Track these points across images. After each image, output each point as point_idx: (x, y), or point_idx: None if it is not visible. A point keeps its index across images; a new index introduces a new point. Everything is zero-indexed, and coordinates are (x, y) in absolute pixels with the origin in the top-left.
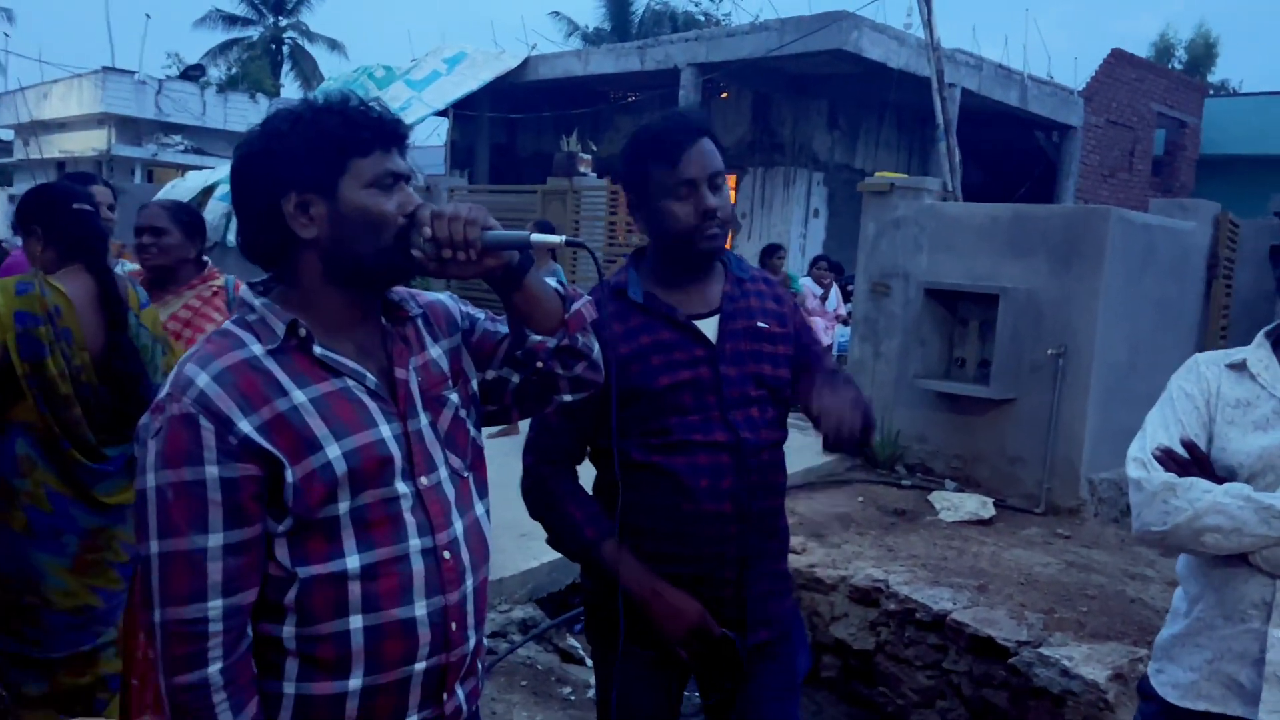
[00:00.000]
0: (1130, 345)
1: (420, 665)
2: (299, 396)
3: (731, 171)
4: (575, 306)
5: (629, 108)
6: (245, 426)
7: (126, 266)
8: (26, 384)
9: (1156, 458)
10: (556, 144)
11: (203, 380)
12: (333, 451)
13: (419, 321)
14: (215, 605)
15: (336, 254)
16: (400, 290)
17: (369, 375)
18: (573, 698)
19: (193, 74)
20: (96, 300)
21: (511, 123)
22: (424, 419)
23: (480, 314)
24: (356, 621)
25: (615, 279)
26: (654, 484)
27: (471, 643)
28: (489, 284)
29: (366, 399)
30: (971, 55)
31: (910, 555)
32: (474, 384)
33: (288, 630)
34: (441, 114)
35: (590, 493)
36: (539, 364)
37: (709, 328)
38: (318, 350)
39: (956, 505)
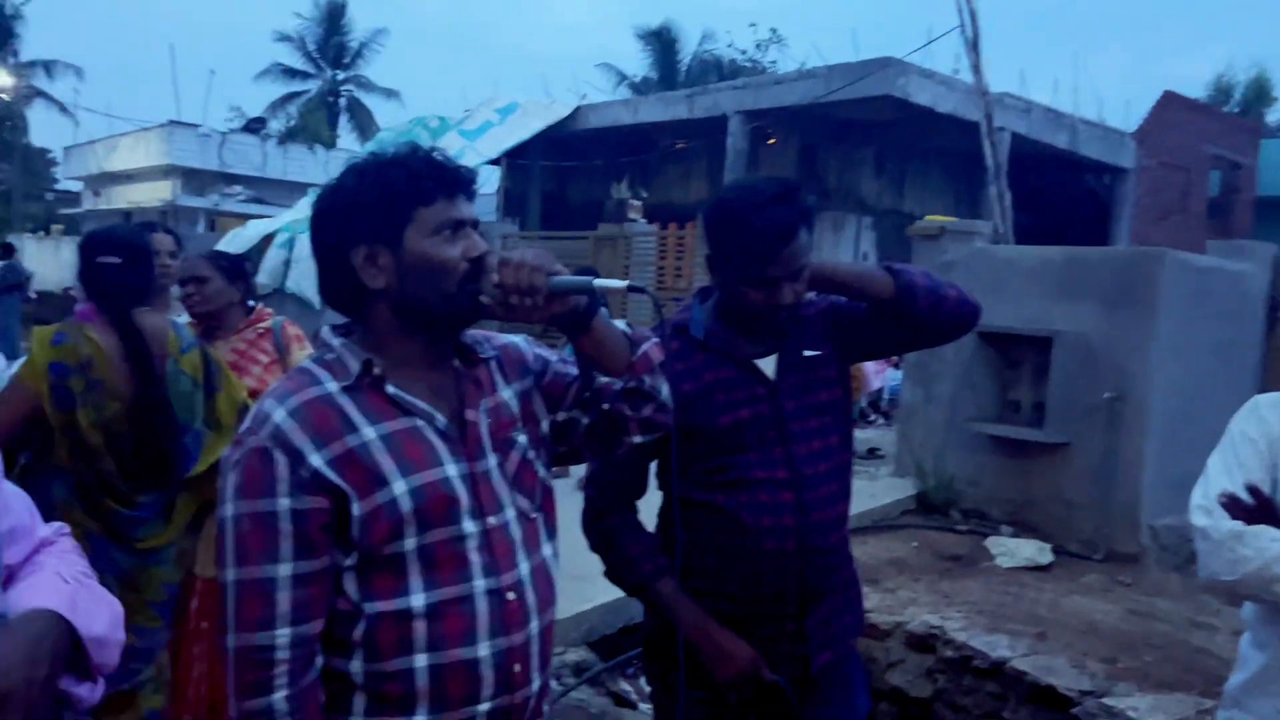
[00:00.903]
0: (1187, 389)
1: (484, 706)
2: (370, 433)
3: None
4: (642, 349)
5: (678, 155)
6: (316, 460)
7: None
8: (60, 433)
9: (1222, 504)
10: (606, 191)
11: (279, 415)
12: (399, 488)
13: (492, 364)
14: (284, 634)
15: (405, 302)
16: (475, 333)
17: (439, 416)
18: None
19: (254, 126)
20: (124, 351)
21: (562, 171)
22: (492, 460)
23: (553, 356)
24: (421, 660)
25: (678, 317)
26: (714, 522)
27: (536, 685)
28: (558, 328)
29: (435, 439)
30: (1020, 99)
31: (966, 601)
32: (545, 425)
33: (356, 665)
34: (494, 163)
35: (653, 528)
36: (606, 405)
37: (768, 365)
38: (390, 390)
39: (1013, 551)
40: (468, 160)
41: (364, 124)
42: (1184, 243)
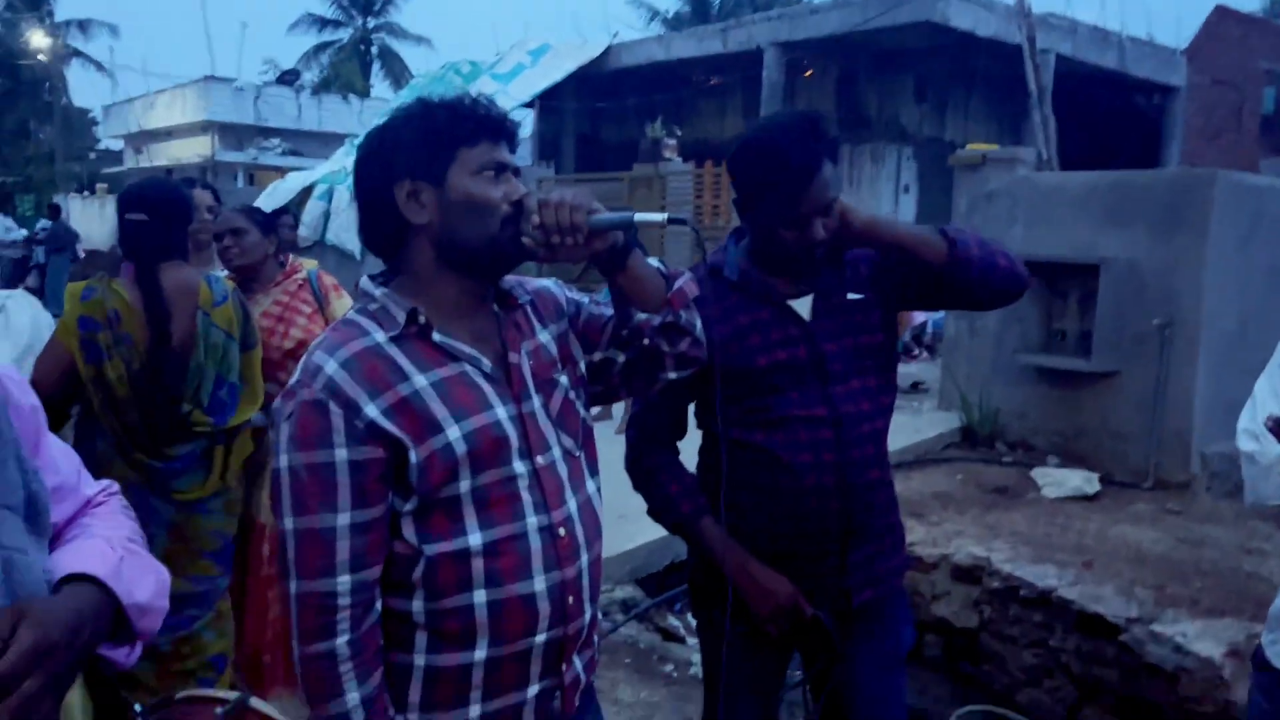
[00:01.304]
0: (1240, 313)
1: (540, 638)
2: (420, 381)
3: None
4: (678, 284)
5: (712, 91)
6: (371, 411)
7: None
8: (91, 387)
9: (1269, 428)
10: (641, 131)
11: (331, 367)
12: (453, 433)
13: (528, 308)
14: (344, 580)
15: (447, 240)
16: (509, 279)
17: (484, 360)
18: (675, 675)
19: (288, 79)
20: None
21: (596, 111)
22: (537, 401)
23: (584, 298)
24: (480, 596)
25: (713, 258)
26: (754, 461)
27: (588, 616)
28: (595, 266)
29: (483, 382)
30: (1065, 19)
31: (1012, 533)
32: (581, 366)
33: (416, 605)
34: (528, 106)
35: (694, 468)
36: (644, 341)
37: (803, 306)
38: (436, 337)
39: (1060, 481)
40: (500, 104)
41: (396, 72)
42: (1238, 162)
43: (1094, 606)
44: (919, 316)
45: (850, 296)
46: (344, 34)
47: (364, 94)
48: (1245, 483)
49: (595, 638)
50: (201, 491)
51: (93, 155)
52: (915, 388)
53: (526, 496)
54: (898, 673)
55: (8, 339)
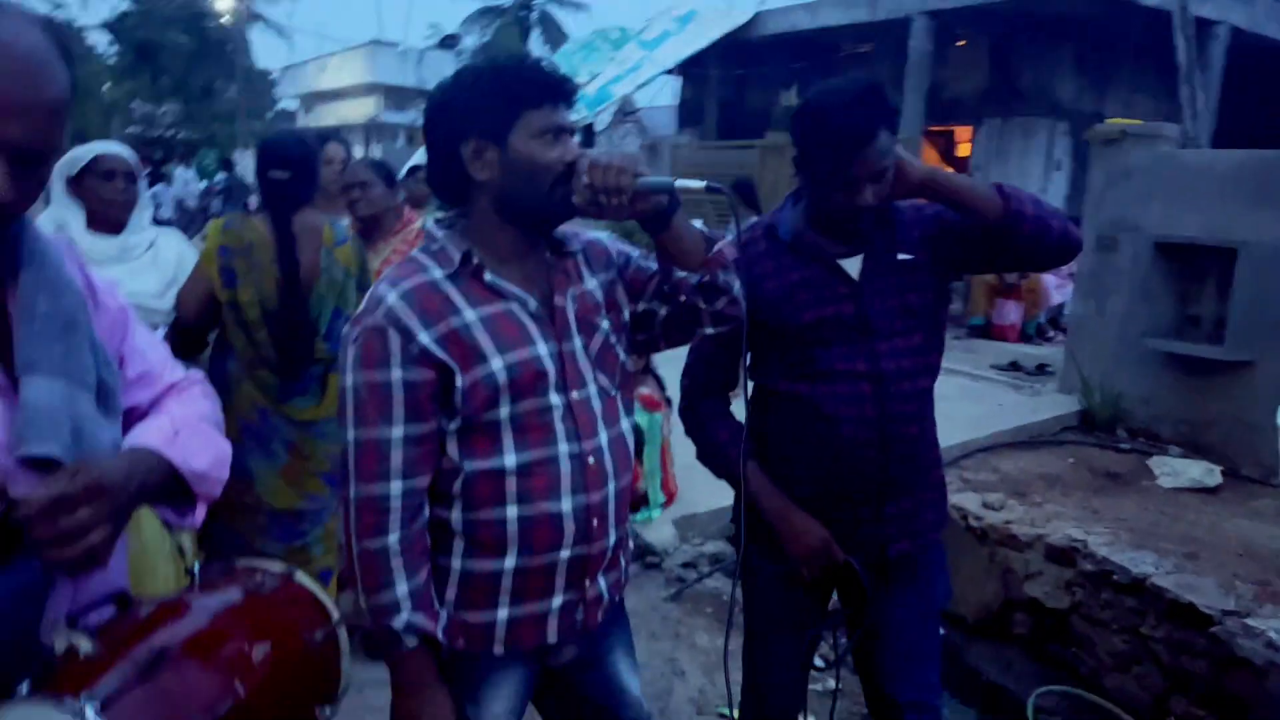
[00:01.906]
0: None
1: (565, 553)
2: (470, 315)
3: (967, 123)
4: (717, 247)
5: (858, 59)
6: (425, 338)
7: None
8: (227, 309)
9: None
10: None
11: (391, 298)
12: (496, 363)
13: (579, 257)
14: (396, 485)
15: (505, 195)
16: (565, 229)
17: (531, 300)
18: None
19: (449, 43)
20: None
21: (740, 79)
22: (578, 341)
23: (635, 251)
24: (512, 511)
25: (770, 218)
26: (796, 412)
27: (611, 539)
28: (641, 224)
29: (528, 320)
30: None
31: (1116, 519)
32: (625, 314)
33: (456, 515)
34: (675, 73)
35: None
36: (682, 298)
37: (853, 265)
38: (488, 277)
39: (1178, 471)
40: (645, 71)
41: (555, 38)
42: None
43: (1188, 596)
44: (1055, 297)
45: (900, 257)
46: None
47: None
48: None
49: (623, 561)
50: (317, 413)
51: (270, 114)
52: (1041, 369)
53: (560, 426)
54: (930, 624)
55: (156, 270)
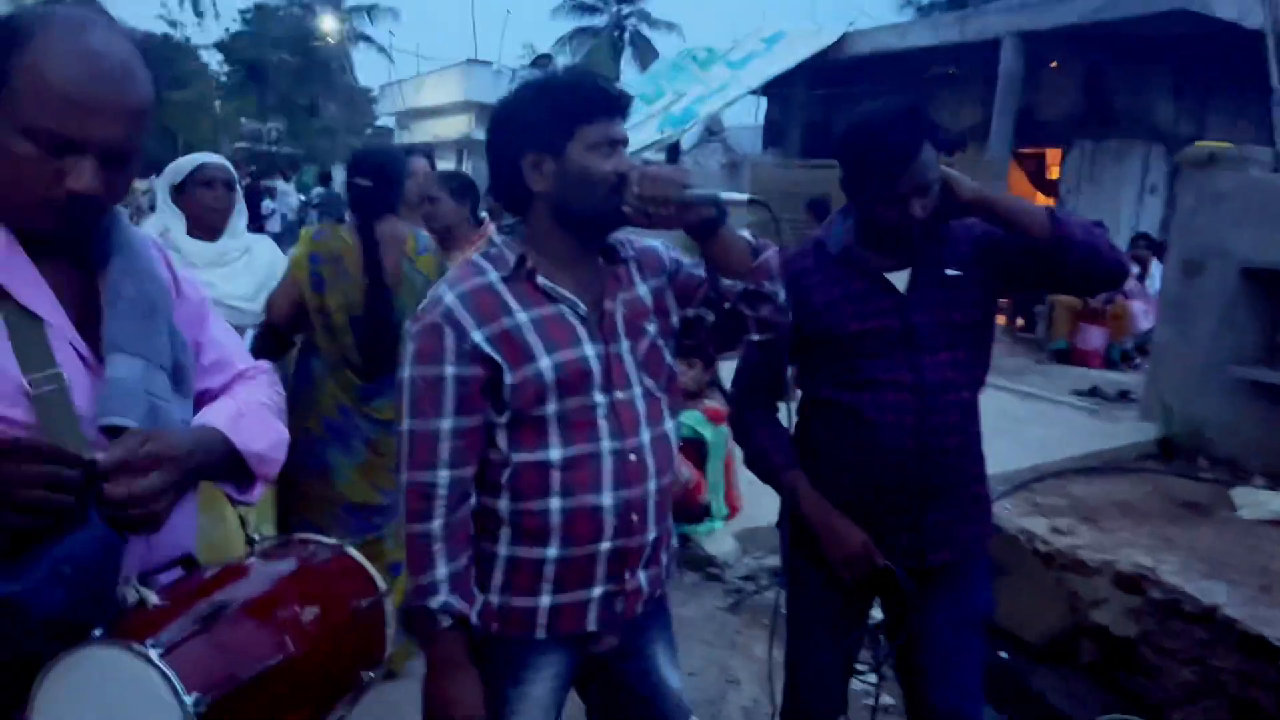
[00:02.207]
0: None
1: (605, 545)
2: (522, 317)
3: (1057, 146)
4: (763, 256)
5: (947, 81)
6: (478, 336)
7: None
8: (315, 314)
9: None
10: None
11: (449, 298)
12: (544, 363)
13: (631, 263)
14: (444, 474)
15: (560, 205)
16: (619, 236)
17: (581, 304)
18: None
19: (541, 63)
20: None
21: (826, 99)
22: (625, 344)
23: (686, 259)
24: (555, 503)
25: (820, 234)
26: (839, 418)
27: (651, 534)
28: (689, 234)
29: (576, 323)
30: None
31: (1189, 548)
32: (674, 319)
33: (503, 504)
34: (760, 93)
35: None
36: (728, 304)
37: (900, 279)
38: (540, 281)
39: (1261, 503)
40: (731, 91)
41: (646, 58)
42: None
43: (1259, 628)
44: (1143, 323)
45: (948, 272)
46: (600, 20)
47: (614, 79)
48: None
49: (664, 557)
50: (394, 413)
51: (369, 131)
52: (1124, 397)
53: (603, 424)
54: (972, 634)
55: (250, 274)
